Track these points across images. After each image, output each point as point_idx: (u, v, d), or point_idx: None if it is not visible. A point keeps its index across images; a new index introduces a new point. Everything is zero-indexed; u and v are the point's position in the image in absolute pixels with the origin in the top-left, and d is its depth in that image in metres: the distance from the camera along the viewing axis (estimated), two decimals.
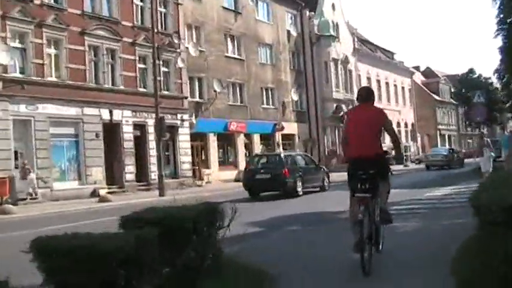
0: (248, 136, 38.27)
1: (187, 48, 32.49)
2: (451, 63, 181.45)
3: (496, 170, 18.64)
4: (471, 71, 43.73)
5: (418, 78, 77.09)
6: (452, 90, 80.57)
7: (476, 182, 18.34)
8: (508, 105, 33.54)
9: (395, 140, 6.94)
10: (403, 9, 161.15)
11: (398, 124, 62.01)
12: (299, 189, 20.58)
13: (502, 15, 31.26)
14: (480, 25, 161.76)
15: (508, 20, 31.40)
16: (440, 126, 74.37)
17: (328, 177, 23.61)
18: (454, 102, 79.79)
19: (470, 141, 77.83)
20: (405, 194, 16.36)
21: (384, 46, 65.60)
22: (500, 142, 21.04)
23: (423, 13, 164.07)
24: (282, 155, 22.64)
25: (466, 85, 41.44)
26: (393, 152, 7.32)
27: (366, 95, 6.83)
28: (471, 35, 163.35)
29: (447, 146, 60.81)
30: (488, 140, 20.72)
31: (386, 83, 60.91)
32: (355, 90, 51.52)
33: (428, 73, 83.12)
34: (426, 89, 75.25)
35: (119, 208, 16.92)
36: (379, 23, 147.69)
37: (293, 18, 45.48)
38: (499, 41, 33.37)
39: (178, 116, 30.88)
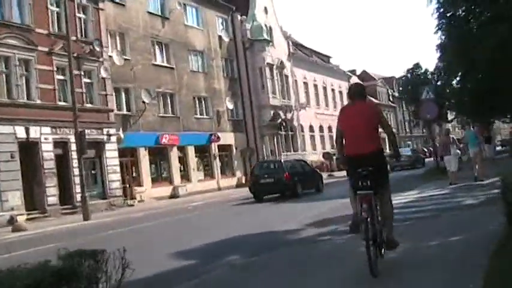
0: (182, 149, 36.92)
1: (111, 57, 30.89)
2: (386, 66, 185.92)
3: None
4: (417, 65, 43.68)
5: (355, 81, 77.68)
6: (390, 92, 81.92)
7: (445, 183, 17.81)
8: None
9: (393, 137, 6.84)
10: (336, 14, 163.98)
11: (330, 129, 62.20)
12: (299, 190, 23.40)
13: (442, 9, 31.43)
14: (413, 28, 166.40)
15: (448, 14, 31.59)
16: (380, 130, 75.05)
17: (322, 180, 27.09)
18: (392, 104, 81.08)
19: (410, 142, 79.19)
20: None
21: (319, 50, 65.81)
22: (466, 139, 20.38)
23: (356, 18, 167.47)
24: (283, 161, 26.79)
25: (413, 82, 41.41)
26: (388, 150, 7.31)
27: (359, 91, 6.85)
28: (405, 38, 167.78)
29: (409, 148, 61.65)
30: (454, 137, 20.19)
31: (324, 88, 60.98)
32: (293, 96, 51.42)
33: (364, 76, 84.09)
34: None
35: (29, 239, 15.56)
36: (312, 28, 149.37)
37: (224, 23, 44.59)
38: (436, 40, 33.71)
39: (104, 130, 29.15)
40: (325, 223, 11.86)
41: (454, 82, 34.29)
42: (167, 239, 12.69)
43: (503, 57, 27.88)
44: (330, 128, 59.95)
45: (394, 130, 7.43)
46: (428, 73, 38.39)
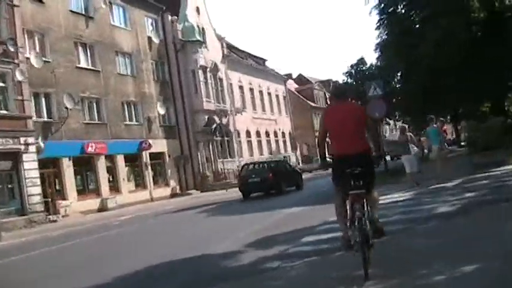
0: (110, 158, 35.08)
1: (28, 58, 28.81)
2: (322, 70, 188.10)
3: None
4: (361, 61, 42.63)
5: (292, 85, 77.72)
6: (327, 95, 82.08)
7: (401, 186, 16.55)
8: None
9: (376, 138, 7.03)
10: (270, 17, 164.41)
11: (276, 134, 61.65)
12: (283, 188, 26.71)
13: (382, 5, 31.22)
14: (349, 31, 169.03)
15: (390, 10, 31.41)
16: (318, 134, 75.21)
17: (302, 178, 30.57)
18: None
19: None
20: (305, 215, 14.14)
21: (254, 53, 65.10)
22: (428, 136, 19.60)
23: (290, 21, 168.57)
24: (267, 162, 30.84)
25: (357, 78, 40.36)
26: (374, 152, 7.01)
27: (342, 91, 6.98)
28: (340, 41, 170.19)
29: None
30: (412, 135, 19.37)
31: (260, 91, 60.23)
32: (228, 100, 50.33)
33: (301, 80, 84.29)
34: (301, 96, 75.91)
35: None
36: (247, 31, 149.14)
37: (154, 24, 43.03)
38: (375, 40, 33.49)
39: (22, 139, 26.94)
40: (271, 242, 9.97)
41: (395, 81, 34.20)
42: (71, 267, 10.62)
43: (446, 51, 27.85)
44: (267, 133, 59.31)
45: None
46: (373, 68, 37.59)
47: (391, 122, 53.29)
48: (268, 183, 26.57)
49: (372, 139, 6.88)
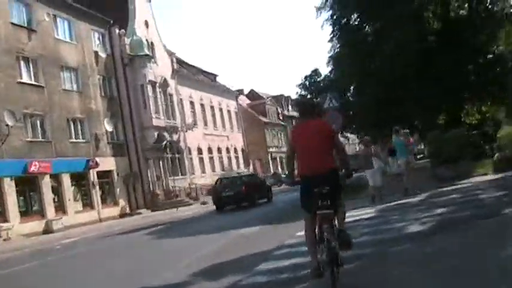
0: (55, 177, 33.70)
1: None
2: (273, 85, 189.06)
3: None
4: (316, 72, 42.02)
5: (244, 101, 77.44)
6: (279, 111, 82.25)
7: (360, 202, 15.94)
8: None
9: (345, 156, 6.88)
10: (221, 33, 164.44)
11: (228, 150, 61.08)
12: (256, 200, 28.82)
13: (335, 16, 31.18)
14: (300, 47, 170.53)
15: (343, 21, 31.36)
16: (270, 149, 75.05)
17: (271, 191, 32.90)
18: (283, 123, 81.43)
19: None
20: (261, 236, 13.24)
21: (205, 69, 64.58)
22: (394, 146, 19.20)
23: (241, 37, 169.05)
24: (240, 176, 32.43)
25: (312, 89, 39.47)
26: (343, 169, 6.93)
27: (310, 108, 6.86)
28: (292, 57, 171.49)
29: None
30: (376, 147, 18.92)
31: (211, 107, 59.61)
32: (178, 116, 49.52)
33: (252, 96, 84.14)
34: (253, 111, 75.67)
35: None
36: (197, 47, 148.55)
37: (101, 38, 41.96)
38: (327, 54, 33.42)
39: None
40: (221, 270, 8.75)
41: (349, 94, 34.05)
42: None
43: (401, 63, 27.85)
44: (219, 150, 58.67)
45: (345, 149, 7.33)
46: (328, 80, 36.92)
47: (350, 135, 53.00)
48: (242, 196, 28.20)
49: (341, 156, 6.83)
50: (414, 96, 28.29)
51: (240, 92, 78.33)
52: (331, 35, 32.24)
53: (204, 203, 38.88)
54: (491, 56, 30.28)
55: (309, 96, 36.63)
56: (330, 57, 34.18)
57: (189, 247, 13.47)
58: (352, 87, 34.06)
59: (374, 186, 16.33)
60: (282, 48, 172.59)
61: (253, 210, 24.96)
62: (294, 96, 72.65)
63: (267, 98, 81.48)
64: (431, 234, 8.79)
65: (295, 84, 42.26)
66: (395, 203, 14.65)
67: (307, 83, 41.81)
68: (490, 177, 16.49)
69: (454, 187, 15.51)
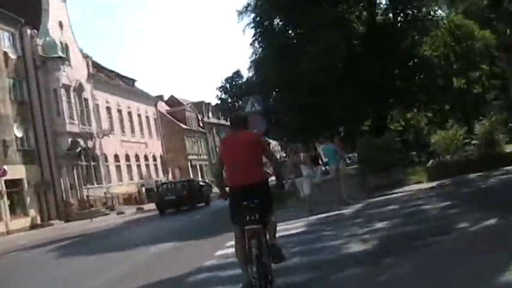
0: None
1: None
2: (195, 92, 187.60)
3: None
4: (237, 74, 39.80)
5: (163, 107, 75.82)
6: (199, 117, 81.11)
7: (297, 214, 14.70)
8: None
9: (277, 167, 6.90)
10: (139, 38, 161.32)
11: (146, 158, 59.46)
12: (196, 204, 31.05)
13: (258, 19, 30.63)
14: (221, 53, 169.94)
15: (265, 23, 30.82)
16: (190, 157, 73.72)
17: (210, 196, 35.09)
18: (203, 130, 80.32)
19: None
20: (180, 255, 11.83)
21: (123, 73, 62.72)
22: (325, 154, 18.50)
23: (161, 42, 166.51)
24: (182, 181, 35.74)
25: (233, 92, 37.14)
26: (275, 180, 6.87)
27: (240, 120, 6.73)
28: (212, 63, 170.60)
29: None
30: (305, 154, 18.07)
31: (129, 113, 57.79)
32: (94, 122, 47.58)
33: (172, 102, 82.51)
34: (172, 118, 74.15)
35: None
36: (115, 51, 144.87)
37: (11, 38, 39.61)
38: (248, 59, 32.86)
39: None
40: None
41: (272, 98, 33.47)
42: None
43: (325, 67, 27.55)
44: (137, 157, 56.94)
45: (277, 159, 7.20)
46: (250, 82, 35.11)
47: (272, 141, 52.25)
48: (182, 200, 30.24)
49: (274, 167, 6.76)
50: (339, 102, 27.93)
51: (160, 98, 76.70)
52: (253, 38, 31.70)
53: (120, 213, 37.35)
54: (416, 61, 30.54)
55: (229, 100, 35.11)
56: (252, 61, 33.66)
57: (92, 270, 11.42)
58: (274, 92, 33.55)
59: (305, 194, 15.55)
60: (203, 54, 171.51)
61: (186, 216, 23.77)
62: (214, 102, 71.73)
63: (187, 104, 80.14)
64: (379, 255, 7.32)
65: (216, 87, 39.78)
66: (327, 214, 13.53)
67: (227, 85, 39.45)
68: (426, 185, 15.99)
69: (389, 196, 14.96)
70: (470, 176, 15.62)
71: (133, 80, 64.05)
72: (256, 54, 32.47)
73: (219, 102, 34.85)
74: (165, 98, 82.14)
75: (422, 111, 33.81)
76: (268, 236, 6.19)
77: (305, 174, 15.55)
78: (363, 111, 29.87)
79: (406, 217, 10.59)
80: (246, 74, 40.27)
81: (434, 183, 15.81)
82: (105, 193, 44.53)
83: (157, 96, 73.68)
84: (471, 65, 31.82)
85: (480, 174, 15.62)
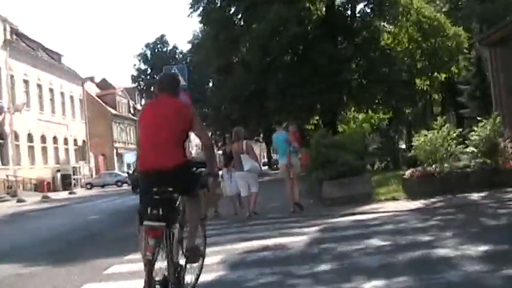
0: None
1: None
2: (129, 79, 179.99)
3: None
4: (162, 39, 32.35)
5: (93, 89, 69.52)
6: (131, 103, 75.07)
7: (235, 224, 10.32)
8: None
9: (209, 148, 5.21)
10: (74, 13, 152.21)
11: (66, 141, 53.25)
12: None
13: None
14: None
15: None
16: (117, 144, 67.67)
17: None
18: (133, 117, 74.25)
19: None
20: None
21: (49, 46, 56.13)
22: (274, 143, 13.84)
23: (104, 24, 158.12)
24: None
25: (154, 62, 30.05)
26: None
27: (169, 82, 5.23)
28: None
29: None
30: (249, 142, 12.42)
31: (51, 90, 51.46)
32: (5, 95, 41.29)
33: (104, 85, 76.15)
34: (101, 101, 67.88)
35: None
36: (45, 25, 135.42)
37: None
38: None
39: None
40: None
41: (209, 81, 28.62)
42: None
43: (273, 49, 23.17)
44: (55, 139, 50.68)
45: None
46: (178, 50, 29.11)
47: None
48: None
49: (205, 148, 5.19)
50: (283, 92, 23.65)
51: (90, 79, 70.53)
52: (191, 9, 26.82)
53: (20, 201, 31.53)
54: (377, 54, 26.33)
55: (149, 70, 28.62)
56: (191, 40, 28.68)
57: None
58: (212, 77, 28.71)
59: (244, 194, 11.76)
60: (143, 38, 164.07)
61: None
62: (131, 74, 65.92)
63: (119, 88, 73.87)
64: None
65: (133, 54, 31.55)
66: (260, 244, 7.99)
67: (148, 52, 31.28)
68: (405, 204, 11.15)
69: (357, 217, 10.15)
70: (471, 197, 11.08)
71: (60, 55, 57.55)
72: (196, 32, 27.73)
73: (135, 74, 27.62)
74: (97, 81, 75.87)
75: (378, 111, 29.39)
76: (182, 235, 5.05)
77: (248, 167, 11.22)
78: (311, 105, 25.56)
79: (408, 269, 5.62)
80: (172, 40, 34.72)
81: (417, 203, 11.06)
82: (7, 176, 38.31)
83: (88, 78, 67.42)
84: (439, 65, 27.77)
85: (483, 194, 11.16)
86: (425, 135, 13.09)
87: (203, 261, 5.41)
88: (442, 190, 11.83)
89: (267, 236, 8.60)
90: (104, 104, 67.65)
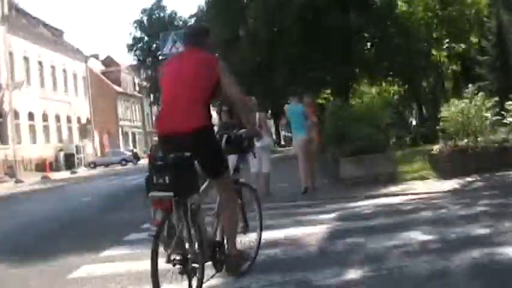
0: None
1: None
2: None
3: None
4: (159, 5, 28.24)
5: (97, 67, 67.97)
6: (136, 81, 73.35)
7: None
8: None
9: (243, 104, 4.40)
10: None
11: (69, 119, 51.78)
12: None
13: None
14: None
15: None
16: (122, 122, 66.11)
17: None
18: (138, 94, 72.56)
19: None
20: None
21: (50, 23, 54.42)
22: (288, 116, 12.06)
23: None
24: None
25: (154, 30, 26.28)
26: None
27: (195, 34, 4.56)
28: None
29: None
30: (263, 114, 10.86)
31: (53, 67, 49.79)
32: (4, 71, 39.75)
33: (108, 62, 74.55)
34: (105, 79, 66.32)
35: None
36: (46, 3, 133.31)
37: None
38: None
39: None
40: None
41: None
42: None
43: (281, 21, 21.60)
44: (58, 117, 49.23)
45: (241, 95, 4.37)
46: (177, 16, 26.07)
47: None
48: None
49: (240, 107, 4.35)
50: (294, 65, 22.12)
51: (95, 56, 69.02)
52: None
53: (18, 181, 30.18)
54: (392, 21, 24.50)
55: (146, 38, 25.38)
56: (192, 15, 26.87)
57: None
58: (216, 50, 27.00)
59: (258, 172, 10.32)
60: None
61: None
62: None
63: (124, 66, 72.19)
64: None
65: (129, 21, 26.05)
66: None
67: (145, 19, 26.55)
68: (438, 185, 9.60)
69: (383, 201, 8.53)
70: None
71: (61, 31, 55.84)
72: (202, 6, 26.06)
73: (131, 42, 24.02)
74: (102, 58, 74.27)
75: (393, 84, 27.57)
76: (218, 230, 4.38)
77: (261, 143, 8.99)
78: (320, 77, 23.98)
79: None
80: (172, 6, 32.20)
81: (451, 183, 9.49)
82: (6, 155, 36.89)
83: (93, 55, 65.85)
84: (457, 35, 25.87)
85: None
86: (456, 104, 11.39)
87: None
88: (478, 168, 10.24)
89: (278, 226, 6.95)
90: (108, 82, 66.12)
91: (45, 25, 52.52)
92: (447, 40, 26.49)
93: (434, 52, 26.28)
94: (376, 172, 10.75)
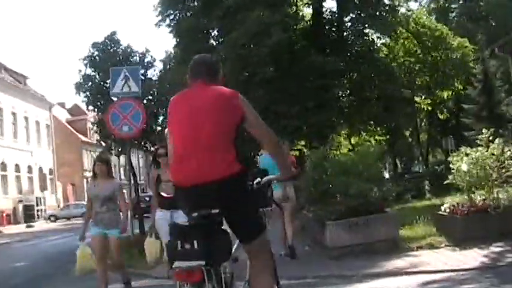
0: None
1: None
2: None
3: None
4: (113, 37, 24.90)
5: (63, 115, 65.52)
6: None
7: None
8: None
9: (274, 146, 3.81)
10: (36, 35, 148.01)
11: (30, 169, 48.83)
12: None
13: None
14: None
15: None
16: (87, 174, 63.25)
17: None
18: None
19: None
20: None
21: (13, 68, 52.04)
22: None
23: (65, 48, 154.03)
24: None
25: (106, 64, 22.80)
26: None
27: (208, 66, 3.86)
28: None
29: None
30: None
31: (13, 114, 47.20)
32: None
33: (75, 111, 72.13)
34: (71, 128, 63.73)
35: None
36: (5, 43, 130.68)
37: None
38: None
39: None
40: None
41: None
42: None
43: (255, 56, 19.75)
44: (17, 167, 46.26)
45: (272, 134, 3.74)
46: (134, 52, 23.10)
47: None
48: None
49: (270, 148, 3.84)
50: (267, 109, 20.21)
51: (61, 104, 66.51)
52: (161, 17, 23.44)
53: None
54: (372, 66, 22.81)
55: (98, 76, 22.29)
56: (162, 60, 24.92)
57: None
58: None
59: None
60: None
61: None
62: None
63: (91, 114, 69.71)
64: None
65: (78, 58, 22.18)
66: None
67: (96, 54, 22.32)
68: (455, 256, 7.31)
69: (388, 284, 6.36)
70: None
71: (25, 77, 53.43)
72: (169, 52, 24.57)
73: (81, 81, 20.53)
74: (68, 106, 71.84)
75: (373, 134, 25.67)
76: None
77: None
78: (296, 126, 22.06)
79: None
80: (124, 39, 29.83)
81: (472, 254, 7.24)
82: None
83: (59, 103, 63.51)
84: (443, 81, 24.28)
85: None
86: (467, 153, 9.29)
87: None
88: (501, 232, 8.06)
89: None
90: (73, 131, 63.52)
91: (7, 69, 50.15)
92: (431, 87, 24.96)
93: (417, 99, 24.69)
94: (372, 238, 8.47)
